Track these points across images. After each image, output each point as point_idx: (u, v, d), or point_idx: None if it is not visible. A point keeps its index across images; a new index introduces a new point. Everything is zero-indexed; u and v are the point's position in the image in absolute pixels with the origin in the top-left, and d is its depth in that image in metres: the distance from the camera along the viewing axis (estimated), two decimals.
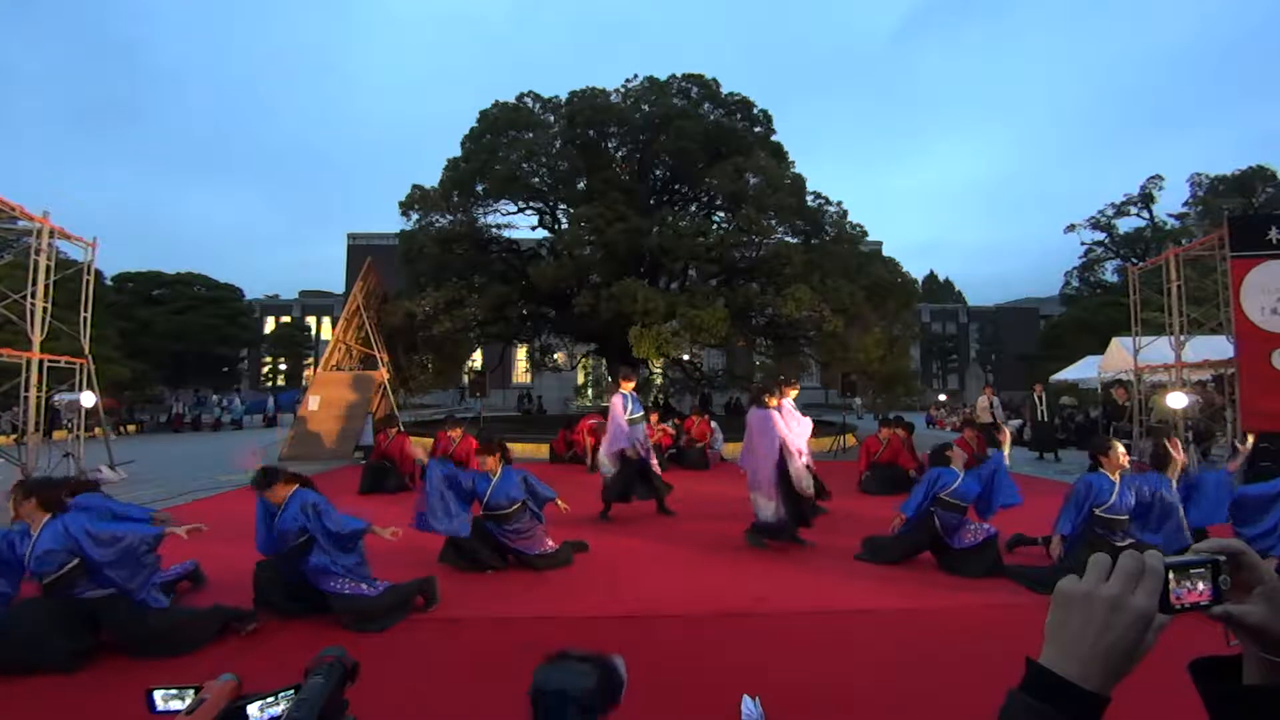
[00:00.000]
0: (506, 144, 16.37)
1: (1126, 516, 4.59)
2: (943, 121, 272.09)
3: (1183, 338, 10.04)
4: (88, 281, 9.85)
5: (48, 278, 8.91)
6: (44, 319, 8.89)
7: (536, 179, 16.43)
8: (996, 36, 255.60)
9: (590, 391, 32.68)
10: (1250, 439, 6.48)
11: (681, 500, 7.79)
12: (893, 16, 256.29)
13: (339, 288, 40.49)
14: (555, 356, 21.86)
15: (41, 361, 8.76)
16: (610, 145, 17.07)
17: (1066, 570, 3.66)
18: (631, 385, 7.18)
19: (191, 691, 1.08)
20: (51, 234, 8.98)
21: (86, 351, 9.62)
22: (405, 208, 16.74)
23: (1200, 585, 0.59)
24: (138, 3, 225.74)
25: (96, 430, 10.91)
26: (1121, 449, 4.73)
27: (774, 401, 5.69)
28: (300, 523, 3.89)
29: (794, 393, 6.14)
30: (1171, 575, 0.58)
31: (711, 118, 16.60)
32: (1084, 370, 16.99)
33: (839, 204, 16.60)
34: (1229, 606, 0.59)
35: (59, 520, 3.45)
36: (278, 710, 1.04)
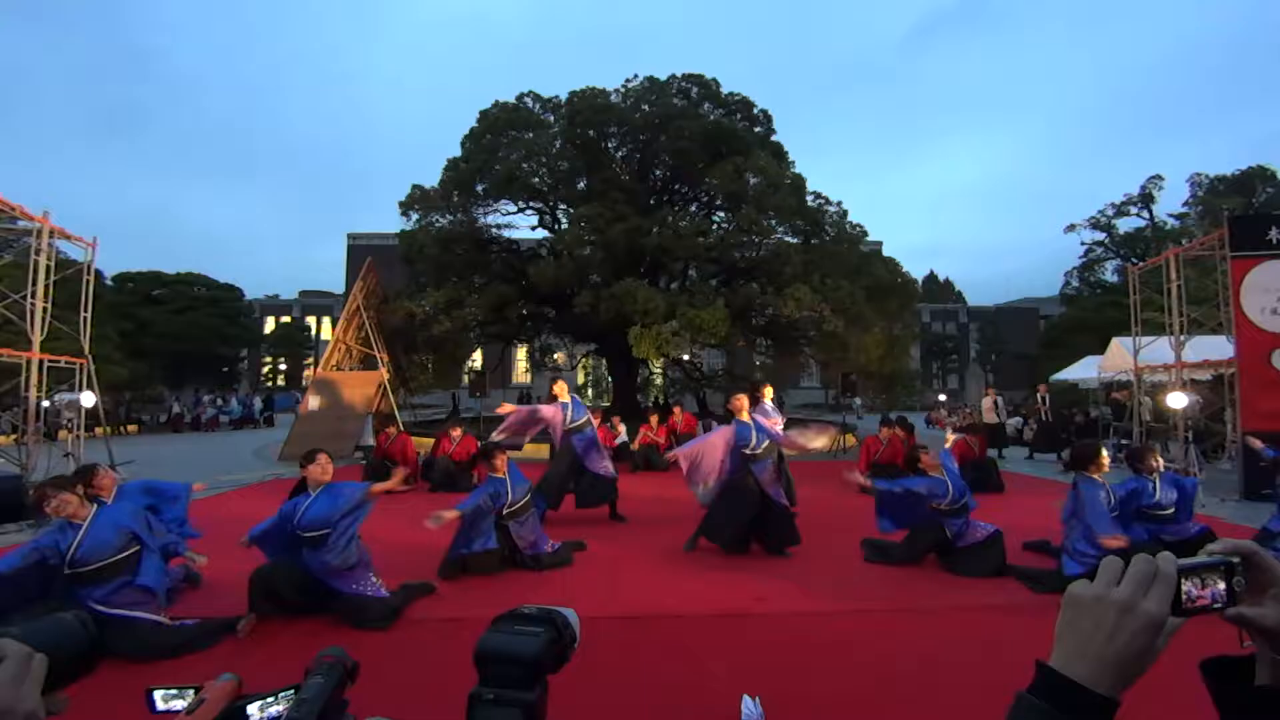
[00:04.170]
0: (506, 144, 16.37)
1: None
2: (945, 124, 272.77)
3: (1183, 338, 10.03)
4: (88, 281, 9.83)
5: (48, 278, 8.90)
6: (44, 319, 8.87)
7: (536, 179, 16.43)
8: (1000, 42, 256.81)
9: (590, 391, 32.67)
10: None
11: (680, 500, 7.78)
12: (901, 23, 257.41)
13: (339, 288, 40.47)
14: (555, 356, 21.88)
15: (41, 361, 8.75)
16: (610, 145, 17.07)
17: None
18: (565, 390, 7.03)
19: (191, 691, 1.07)
20: (51, 234, 8.97)
21: (86, 351, 9.60)
22: (405, 208, 16.74)
23: (1214, 588, 0.58)
24: (153, 10, 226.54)
25: (97, 430, 10.89)
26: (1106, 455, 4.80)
27: (744, 415, 5.65)
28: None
29: (769, 392, 6.15)
30: (1184, 578, 0.58)
31: (711, 118, 16.59)
32: (1084, 370, 16.98)
33: (839, 204, 16.61)
34: (1243, 609, 0.58)
35: (110, 508, 3.66)
36: (278, 710, 1.03)
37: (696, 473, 5.61)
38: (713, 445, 5.58)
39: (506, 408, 7.17)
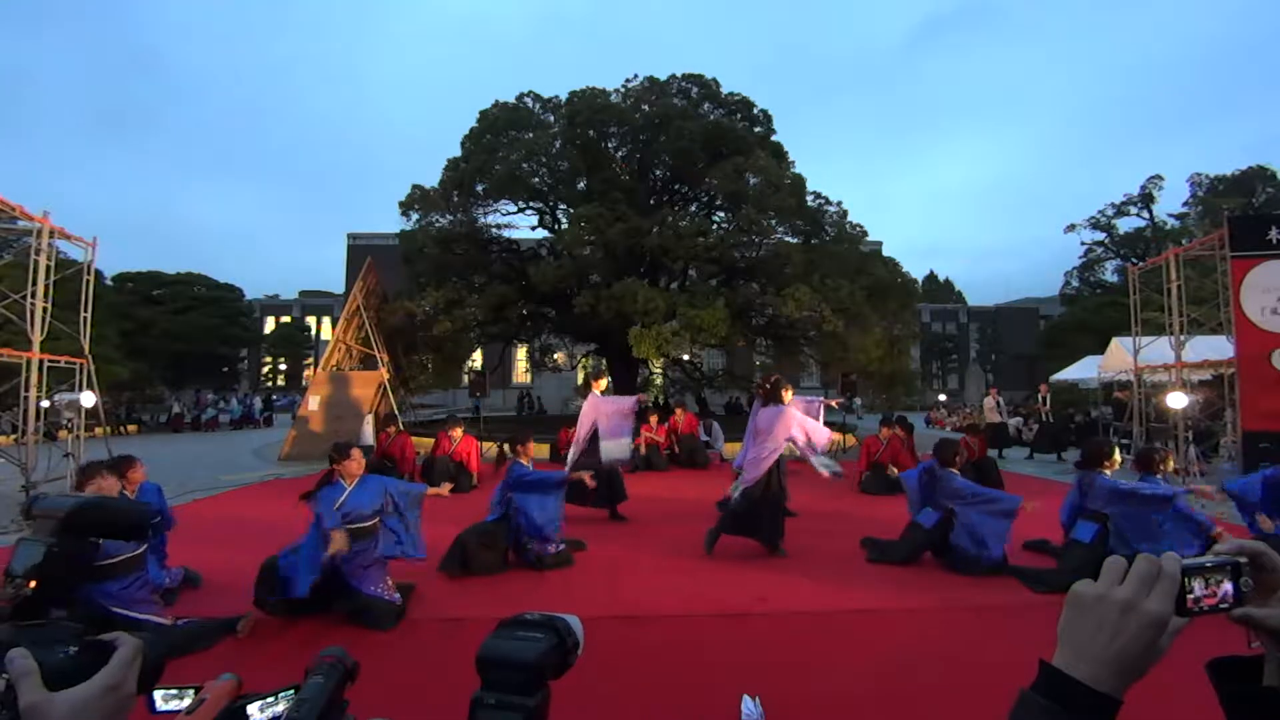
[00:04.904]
0: (506, 144, 16.37)
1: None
2: (945, 125, 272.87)
3: (1183, 338, 10.03)
4: (88, 281, 9.82)
5: (48, 278, 8.89)
6: (44, 319, 8.87)
7: (536, 179, 16.43)
8: (1000, 44, 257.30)
9: None
10: None
11: (680, 500, 7.79)
12: (902, 26, 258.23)
13: (339, 288, 40.46)
14: (555, 356, 21.86)
15: (41, 361, 8.75)
16: (610, 145, 17.07)
17: (1068, 570, 3.66)
18: (604, 387, 7.06)
19: (191, 691, 1.07)
20: (51, 234, 8.96)
21: (86, 351, 9.59)
22: (405, 208, 16.74)
23: (1220, 588, 0.58)
24: (155, 11, 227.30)
25: (97, 430, 10.88)
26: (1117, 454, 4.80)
27: (788, 395, 5.67)
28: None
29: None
30: (1189, 578, 0.57)
31: (711, 118, 16.60)
32: (1084, 370, 17.01)
33: (839, 204, 16.62)
34: (1250, 609, 0.58)
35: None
36: (278, 710, 1.03)
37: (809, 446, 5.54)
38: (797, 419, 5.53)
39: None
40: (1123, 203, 34.12)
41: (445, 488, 4.74)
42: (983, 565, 4.73)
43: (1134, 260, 28.36)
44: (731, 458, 11.55)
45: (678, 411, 12.51)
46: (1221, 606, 0.58)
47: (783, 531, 5.48)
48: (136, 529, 1.11)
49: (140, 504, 3.69)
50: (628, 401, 6.83)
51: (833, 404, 6.70)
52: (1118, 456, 4.74)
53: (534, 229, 18.11)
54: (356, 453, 4.20)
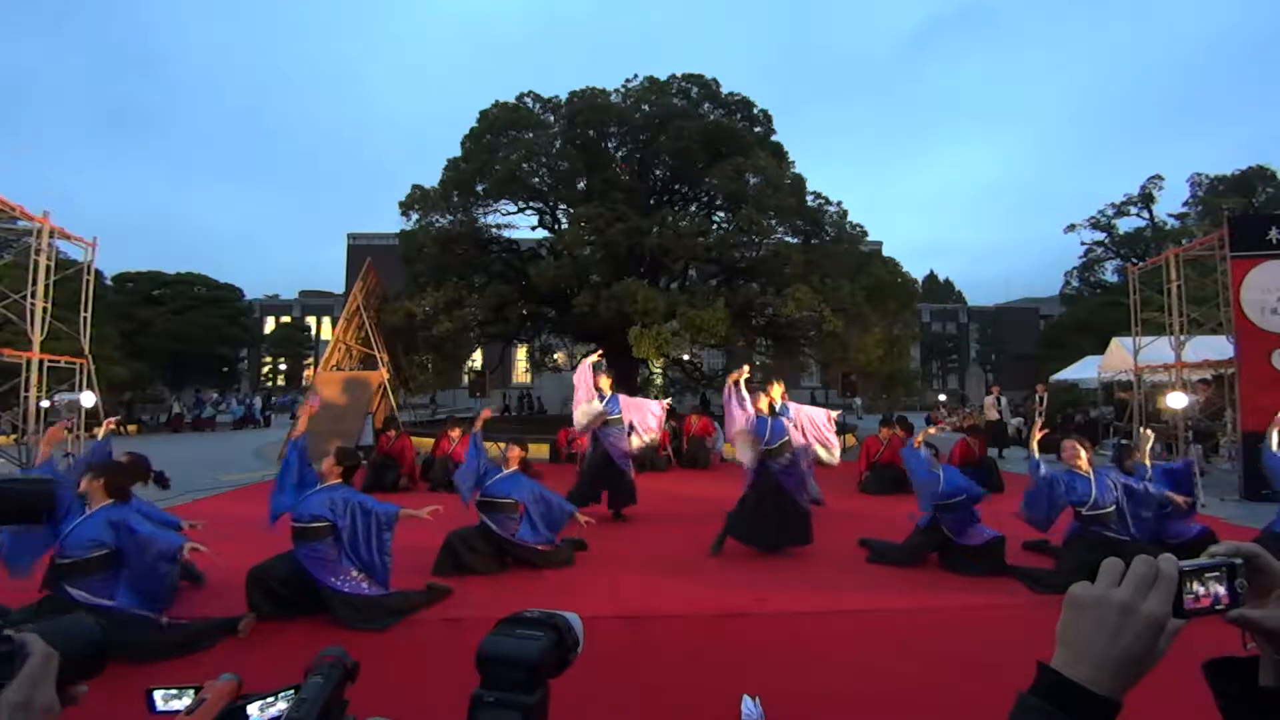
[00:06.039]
0: (506, 144, 16.35)
1: (1112, 509, 4.63)
2: (945, 125, 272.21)
3: (1183, 338, 10.02)
4: (88, 281, 9.83)
5: (48, 278, 8.90)
6: (44, 319, 8.88)
7: (536, 179, 16.41)
8: (1000, 44, 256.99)
9: None
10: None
11: (682, 500, 7.79)
12: (903, 26, 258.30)
13: (339, 288, 40.39)
14: (555, 356, 21.85)
15: (41, 361, 8.76)
16: (610, 145, 17.05)
17: (1066, 570, 3.66)
18: (609, 384, 7.08)
19: (191, 691, 1.07)
20: (51, 234, 8.97)
21: (86, 351, 9.60)
22: (405, 208, 16.72)
23: (1216, 589, 0.58)
24: (156, 12, 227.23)
25: (97, 430, 10.88)
26: (1081, 450, 4.88)
27: (762, 402, 5.72)
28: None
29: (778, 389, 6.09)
30: (1186, 579, 0.57)
31: (711, 117, 16.58)
32: (1084, 370, 16.99)
33: (839, 204, 16.61)
34: (1245, 611, 0.58)
35: (114, 510, 3.63)
36: (278, 710, 1.03)
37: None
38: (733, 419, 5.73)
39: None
40: (1123, 203, 34.07)
41: (426, 511, 4.24)
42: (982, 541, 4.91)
43: (1134, 260, 28.32)
44: (731, 458, 11.57)
45: (691, 417, 12.49)
46: (1218, 608, 0.58)
47: (799, 535, 5.46)
48: (32, 512, 0.94)
49: (40, 480, 3.69)
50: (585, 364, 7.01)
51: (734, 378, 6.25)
52: (1082, 453, 4.87)
53: (534, 229, 18.10)
54: (329, 461, 4.34)
